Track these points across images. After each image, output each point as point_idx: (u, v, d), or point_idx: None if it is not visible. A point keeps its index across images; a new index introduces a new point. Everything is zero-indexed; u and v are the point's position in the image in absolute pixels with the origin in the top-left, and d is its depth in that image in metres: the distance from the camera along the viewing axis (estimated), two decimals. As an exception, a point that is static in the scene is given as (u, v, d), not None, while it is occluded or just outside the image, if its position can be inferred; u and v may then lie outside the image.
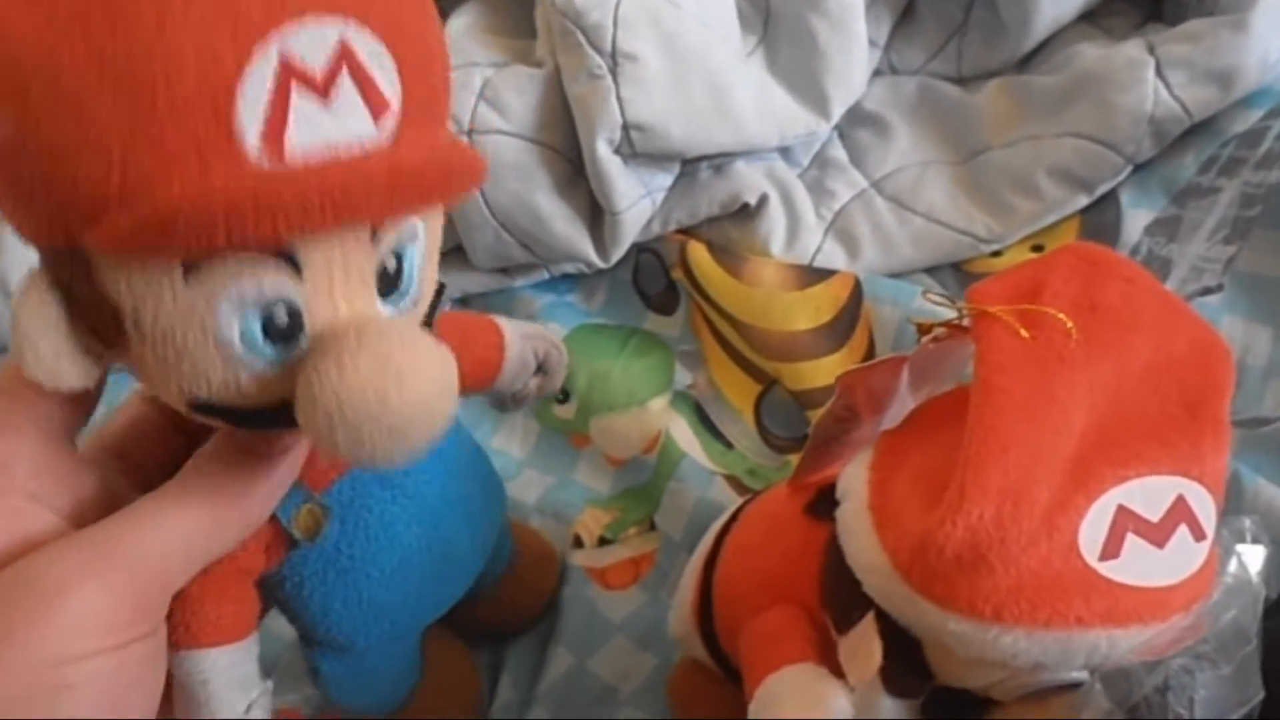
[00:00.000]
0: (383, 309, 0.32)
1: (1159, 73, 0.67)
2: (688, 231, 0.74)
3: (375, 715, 0.50)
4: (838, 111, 0.75)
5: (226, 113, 0.26)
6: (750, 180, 0.72)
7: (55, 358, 0.29)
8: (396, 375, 0.28)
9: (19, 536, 0.31)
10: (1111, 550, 0.34)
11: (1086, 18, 0.78)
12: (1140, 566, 0.34)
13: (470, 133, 0.68)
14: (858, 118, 0.79)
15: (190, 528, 0.32)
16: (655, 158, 0.70)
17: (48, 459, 0.33)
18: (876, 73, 0.82)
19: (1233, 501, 0.51)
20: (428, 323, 0.36)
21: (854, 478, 0.39)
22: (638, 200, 0.70)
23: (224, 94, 0.26)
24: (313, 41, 0.27)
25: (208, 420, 0.32)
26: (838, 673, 0.38)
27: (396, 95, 0.29)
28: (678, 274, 0.72)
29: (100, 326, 0.30)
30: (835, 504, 0.39)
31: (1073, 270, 0.38)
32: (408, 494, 0.42)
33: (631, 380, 0.69)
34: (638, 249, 0.74)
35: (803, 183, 0.76)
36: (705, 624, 0.48)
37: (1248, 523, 0.40)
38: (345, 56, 0.28)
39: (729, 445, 0.66)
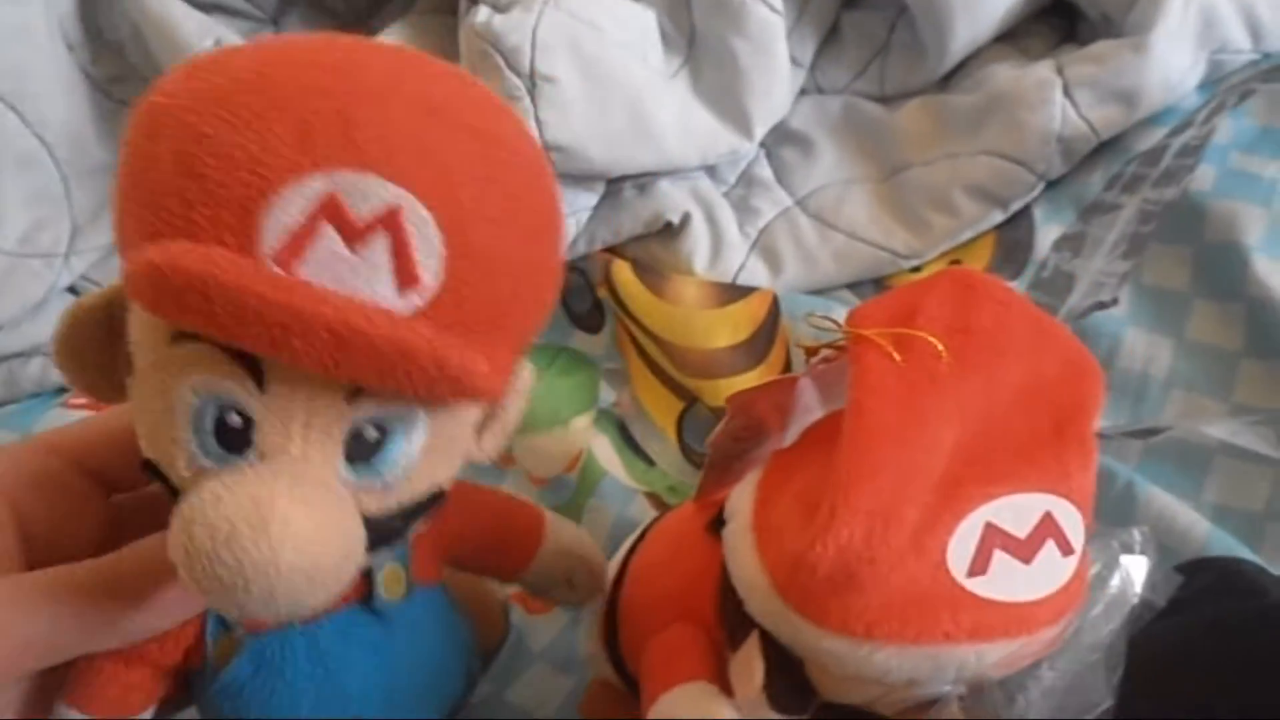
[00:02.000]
0: (346, 473, 0.31)
1: (1067, 93, 0.69)
2: (613, 250, 0.75)
3: None
4: (760, 131, 0.76)
5: (252, 220, 0.28)
6: (673, 199, 0.73)
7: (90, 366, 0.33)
8: (261, 525, 0.28)
9: None
10: (979, 567, 0.35)
11: (1005, 39, 0.80)
12: (1007, 582, 0.35)
13: None
14: (783, 136, 0.81)
15: (63, 624, 0.32)
16: (577, 178, 0.71)
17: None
18: (803, 92, 0.83)
19: (1126, 512, 0.53)
20: (405, 523, 0.34)
21: (742, 496, 0.40)
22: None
23: (256, 202, 0.28)
24: (364, 194, 0.29)
25: (153, 481, 0.33)
26: (732, 692, 0.39)
27: (435, 278, 0.30)
28: (602, 292, 0.73)
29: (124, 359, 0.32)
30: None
31: (947, 294, 0.39)
32: (329, 678, 0.39)
33: (556, 399, 0.70)
34: (564, 268, 0.75)
35: (728, 201, 0.77)
36: (612, 643, 0.48)
37: (1137, 534, 0.41)
38: (390, 218, 0.29)
39: (651, 463, 0.67)
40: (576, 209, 0.72)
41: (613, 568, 0.51)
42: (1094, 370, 0.39)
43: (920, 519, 0.35)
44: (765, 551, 0.37)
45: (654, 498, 0.64)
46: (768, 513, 0.38)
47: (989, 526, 0.35)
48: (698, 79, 0.77)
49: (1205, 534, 0.51)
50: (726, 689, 0.39)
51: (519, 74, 0.67)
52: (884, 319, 0.38)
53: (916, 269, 0.71)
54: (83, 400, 0.74)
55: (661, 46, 0.76)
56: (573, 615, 0.60)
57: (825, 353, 0.41)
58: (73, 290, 0.78)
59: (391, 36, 0.78)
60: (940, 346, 0.37)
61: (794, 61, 0.80)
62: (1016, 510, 0.36)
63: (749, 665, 0.38)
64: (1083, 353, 0.40)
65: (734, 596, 0.38)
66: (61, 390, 0.75)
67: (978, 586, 0.35)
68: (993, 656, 0.35)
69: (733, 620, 0.39)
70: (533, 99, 0.67)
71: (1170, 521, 0.52)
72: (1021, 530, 0.36)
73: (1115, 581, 0.40)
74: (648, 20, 0.75)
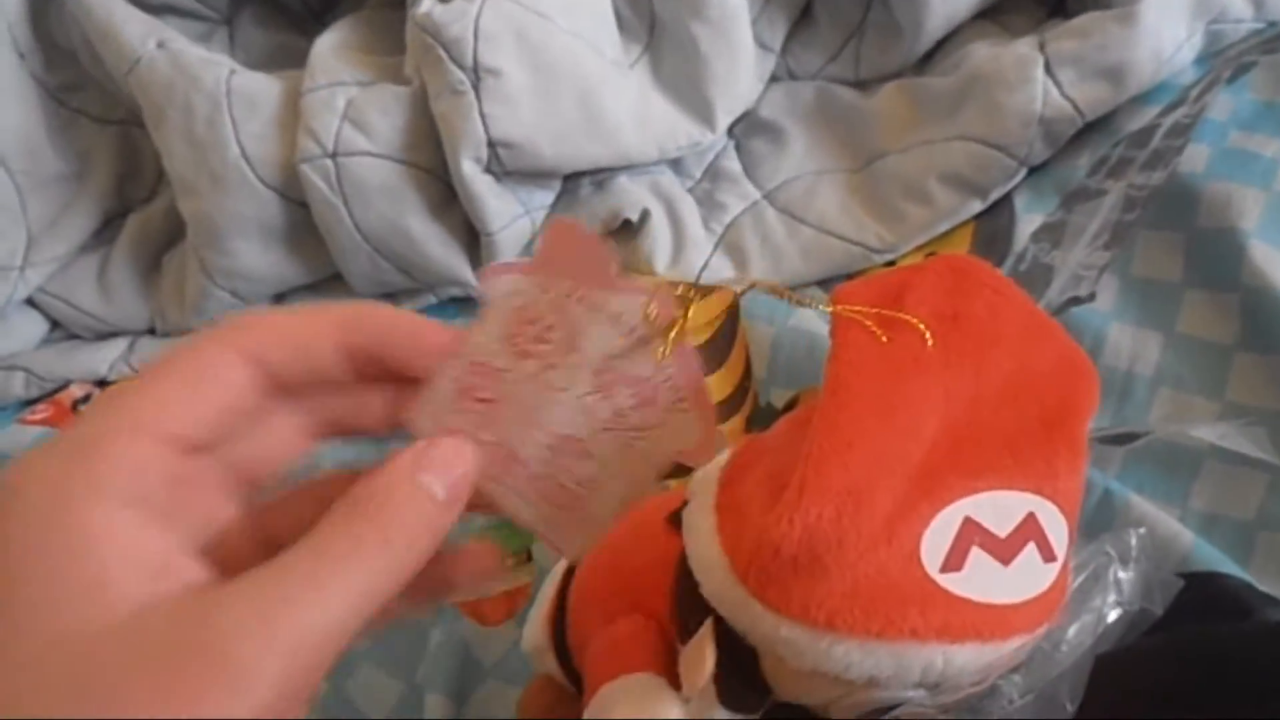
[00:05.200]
0: None
1: (1048, 70, 0.69)
2: (572, 249, 0.75)
3: None
4: (724, 121, 0.76)
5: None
6: (631, 195, 0.73)
7: None
8: None
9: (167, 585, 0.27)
10: (954, 562, 0.35)
11: (989, 15, 0.79)
12: (983, 582, 0.35)
13: (334, 155, 0.69)
14: (753, 126, 0.81)
15: (365, 587, 0.28)
16: (530, 175, 0.71)
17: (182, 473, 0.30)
18: (774, 79, 0.83)
19: (1104, 521, 0.53)
20: None
21: (706, 476, 0.40)
22: (514, 220, 0.71)
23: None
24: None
25: None
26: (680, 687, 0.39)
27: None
28: (562, 294, 0.73)
29: None
30: (689, 507, 0.40)
31: (940, 279, 0.39)
32: None
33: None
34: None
35: (693, 195, 0.77)
36: (560, 637, 0.48)
37: (1133, 539, 0.41)
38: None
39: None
40: (531, 208, 0.73)
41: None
42: (1088, 370, 0.39)
43: (895, 505, 0.35)
44: (726, 531, 0.37)
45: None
46: (732, 492, 0.38)
47: (968, 521, 0.35)
48: (658, 68, 0.77)
49: (1189, 545, 0.51)
50: (676, 685, 0.39)
51: (462, 67, 0.68)
52: (871, 299, 0.38)
53: (891, 264, 0.71)
54: (39, 416, 0.77)
55: (619, 34, 0.76)
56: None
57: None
58: (31, 303, 0.80)
59: (343, 30, 0.78)
60: (926, 331, 0.37)
61: (763, 46, 0.80)
62: (998, 508, 0.36)
63: (700, 654, 0.37)
64: (1077, 351, 0.40)
65: (690, 582, 0.38)
66: (23, 404, 0.78)
67: (951, 583, 0.35)
68: (961, 660, 0.35)
69: (686, 608, 0.39)
70: (477, 93, 0.68)
71: (1150, 531, 0.51)
72: (1002, 529, 0.36)
73: (1099, 594, 0.40)
74: (602, 7, 0.75)
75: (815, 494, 0.34)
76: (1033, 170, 0.70)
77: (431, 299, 0.77)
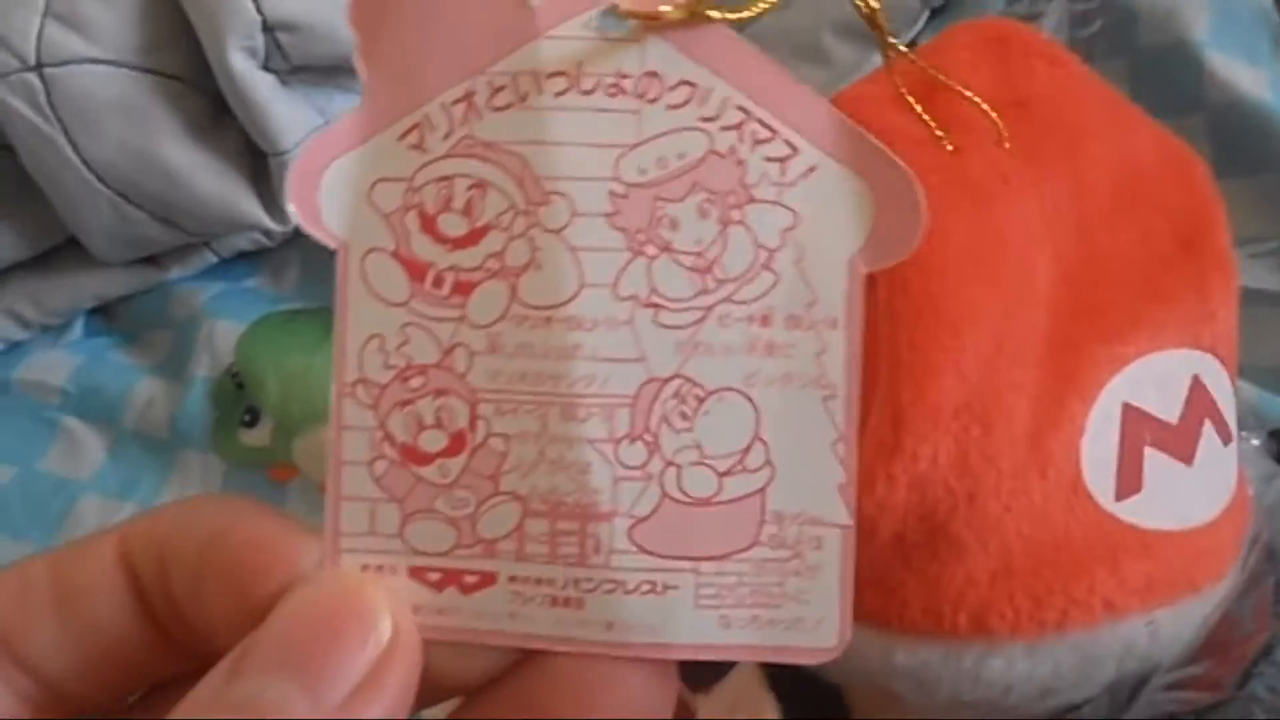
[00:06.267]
0: None
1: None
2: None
3: None
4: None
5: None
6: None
7: None
8: None
9: None
10: (1130, 480, 0.25)
11: None
12: (1173, 498, 0.26)
13: (38, 67, 0.55)
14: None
15: None
16: (324, 71, 0.59)
17: None
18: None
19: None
20: None
21: None
22: (312, 132, 0.58)
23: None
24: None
25: None
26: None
27: None
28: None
29: None
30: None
31: (979, 54, 0.28)
32: None
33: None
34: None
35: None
36: None
37: None
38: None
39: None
40: (331, 115, 0.60)
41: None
42: (1198, 160, 0.29)
43: (1034, 411, 0.24)
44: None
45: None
46: None
47: (1129, 410, 0.25)
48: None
49: (1253, 397, 0.45)
50: None
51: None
52: (892, 99, 0.25)
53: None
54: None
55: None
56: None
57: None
58: None
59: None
60: (999, 125, 0.25)
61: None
62: (1158, 378, 0.26)
63: (748, 703, 0.30)
64: (1173, 137, 0.30)
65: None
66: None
67: (1137, 514, 0.25)
68: (1170, 629, 0.25)
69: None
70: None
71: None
72: (1172, 409, 0.26)
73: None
74: None
75: (919, 426, 0.23)
76: (938, 11, 0.62)
77: (212, 258, 0.64)
